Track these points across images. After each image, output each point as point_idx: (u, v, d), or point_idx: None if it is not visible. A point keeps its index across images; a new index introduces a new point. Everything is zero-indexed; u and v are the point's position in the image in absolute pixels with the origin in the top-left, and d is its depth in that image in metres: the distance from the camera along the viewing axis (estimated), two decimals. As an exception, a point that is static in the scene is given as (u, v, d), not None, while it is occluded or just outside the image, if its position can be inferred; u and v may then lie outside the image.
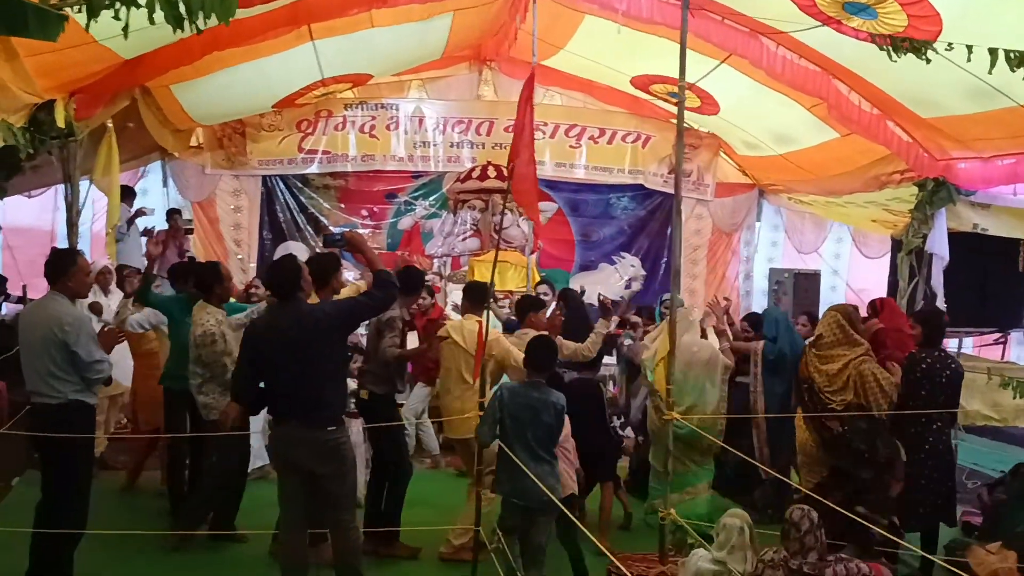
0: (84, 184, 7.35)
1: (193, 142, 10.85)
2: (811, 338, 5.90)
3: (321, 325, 4.29)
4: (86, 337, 4.62)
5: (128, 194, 9.71)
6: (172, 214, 10.13)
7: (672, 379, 4.47)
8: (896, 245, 8.95)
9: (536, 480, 4.28)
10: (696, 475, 5.98)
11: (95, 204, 8.67)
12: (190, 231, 10.36)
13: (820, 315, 7.18)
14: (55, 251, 4.89)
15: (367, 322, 5.63)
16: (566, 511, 4.22)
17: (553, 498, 4.17)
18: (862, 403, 5.45)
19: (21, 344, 4.68)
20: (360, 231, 11.40)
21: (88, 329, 4.70)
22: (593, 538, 3.78)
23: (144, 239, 9.81)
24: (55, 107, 5.84)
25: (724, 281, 12.31)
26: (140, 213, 9.52)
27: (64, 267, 4.72)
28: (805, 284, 10.66)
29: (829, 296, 11.42)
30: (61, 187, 7.00)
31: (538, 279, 9.45)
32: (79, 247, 7.23)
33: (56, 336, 4.53)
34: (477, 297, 5.95)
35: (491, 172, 10.53)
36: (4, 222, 9.37)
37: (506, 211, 10.30)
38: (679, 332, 6.23)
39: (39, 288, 5.21)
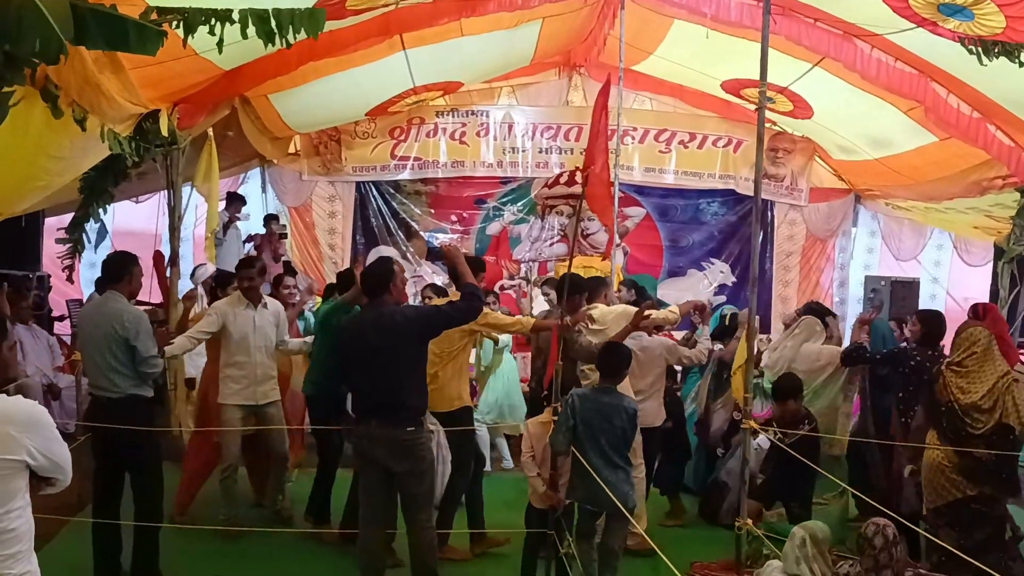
0: (187, 190, 7.72)
1: (291, 149, 11.24)
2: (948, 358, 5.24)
3: (399, 328, 4.40)
4: (145, 333, 4.89)
5: (238, 200, 10.11)
6: (268, 220, 10.51)
7: (749, 386, 4.43)
8: (999, 253, 8.61)
9: (606, 487, 4.29)
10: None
11: (198, 209, 9.05)
12: (284, 236, 10.72)
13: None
14: (117, 254, 5.16)
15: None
16: (632, 521, 4.20)
17: (620, 506, 4.16)
18: (1008, 425, 4.77)
19: (82, 341, 4.99)
20: (449, 236, 11.65)
21: (146, 325, 4.96)
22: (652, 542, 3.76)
23: (248, 244, 10.20)
24: (159, 117, 6.13)
25: (818, 289, 12.03)
26: (233, 219, 9.86)
27: (127, 269, 4.99)
28: (902, 292, 10.29)
29: (929, 305, 11.02)
30: (165, 193, 7.33)
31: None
32: (182, 250, 7.60)
33: (117, 332, 4.79)
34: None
35: (579, 178, 10.50)
36: (114, 226, 9.86)
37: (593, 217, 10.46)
38: (804, 339, 6.57)
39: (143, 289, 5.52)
